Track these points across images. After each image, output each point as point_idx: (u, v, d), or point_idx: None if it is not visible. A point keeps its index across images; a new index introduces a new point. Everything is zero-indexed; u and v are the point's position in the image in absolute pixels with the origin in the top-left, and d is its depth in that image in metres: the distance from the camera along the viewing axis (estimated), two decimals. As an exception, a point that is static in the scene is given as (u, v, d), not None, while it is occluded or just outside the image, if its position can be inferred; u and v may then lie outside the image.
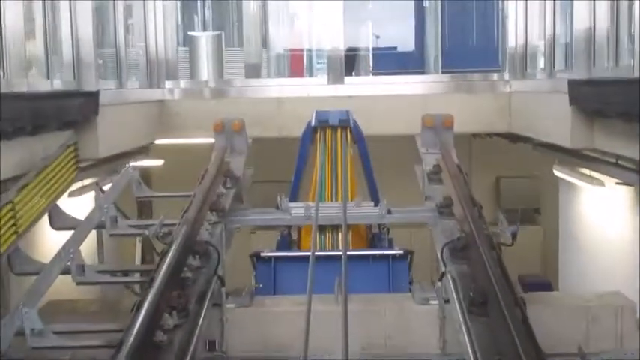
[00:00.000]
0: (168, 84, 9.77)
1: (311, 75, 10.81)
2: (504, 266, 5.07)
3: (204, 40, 11.22)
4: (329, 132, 7.54)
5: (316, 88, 9.64)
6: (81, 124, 6.65)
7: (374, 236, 7.54)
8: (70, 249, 5.41)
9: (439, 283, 5.66)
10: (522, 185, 15.94)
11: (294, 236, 7.52)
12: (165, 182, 14.15)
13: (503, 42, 10.04)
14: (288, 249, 7.51)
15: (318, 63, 20.60)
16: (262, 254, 6.69)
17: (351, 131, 7.62)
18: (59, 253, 5.37)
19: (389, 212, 6.59)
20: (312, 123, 7.60)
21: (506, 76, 9.66)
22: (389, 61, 12.67)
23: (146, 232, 5.49)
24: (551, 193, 14.79)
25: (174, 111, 9.59)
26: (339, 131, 7.53)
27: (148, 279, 4.98)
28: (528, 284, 12.79)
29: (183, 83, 9.96)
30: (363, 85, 9.66)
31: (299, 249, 7.34)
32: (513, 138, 9.99)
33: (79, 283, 5.39)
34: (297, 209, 6.64)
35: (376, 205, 6.95)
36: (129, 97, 8.48)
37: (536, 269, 16.31)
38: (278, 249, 7.67)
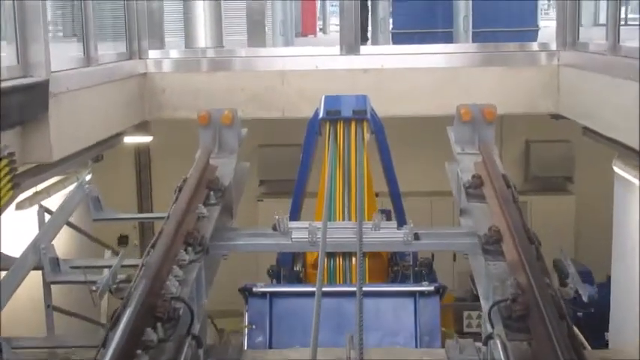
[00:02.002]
0: (152, 54, 8.27)
1: (325, 33, 9.26)
2: (580, 347, 3.68)
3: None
4: (340, 126, 6.05)
5: (326, 60, 8.12)
6: (24, 125, 5.22)
7: (395, 255, 6.13)
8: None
9: (483, 347, 4.30)
10: (554, 150, 14.56)
11: (297, 267, 6.12)
12: (166, 161, 12.87)
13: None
14: (290, 269, 6.15)
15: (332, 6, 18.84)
16: (255, 289, 5.32)
17: (368, 123, 6.14)
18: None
19: (416, 237, 5.15)
20: (320, 114, 6.09)
21: (553, 45, 8.09)
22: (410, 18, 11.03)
23: (93, 287, 4.07)
24: (585, 160, 13.44)
25: (160, 87, 8.11)
26: (353, 125, 6.03)
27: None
28: (564, 273, 11.37)
29: (170, 53, 8.45)
30: (381, 57, 8.12)
31: (303, 277, 5.97)
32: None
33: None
34: (299, 231, 5.21)
35: (400, 224, 5.55)
36: (98, 76, 6.97)
37: (569, 244, 15.04)
38: (279, 264, 6.29)
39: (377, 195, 6.34)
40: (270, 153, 14.87)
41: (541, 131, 12.94)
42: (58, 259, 4.32)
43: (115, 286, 4.13)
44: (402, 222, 6.68)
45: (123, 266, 4.48)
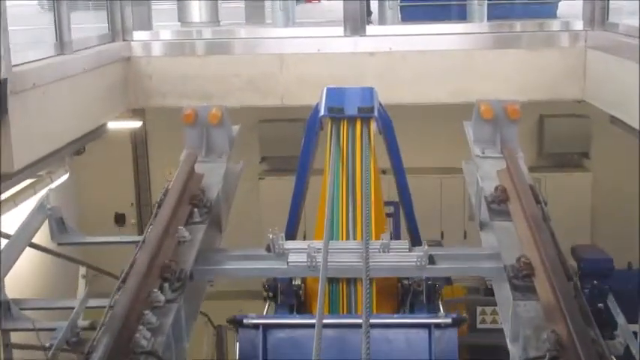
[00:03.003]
0: (138, 35, 7.51)
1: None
2: None
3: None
4: (344, 125, 5.30)
5: (329, 42, 7.35)
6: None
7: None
8: None
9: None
10: (569, 125, 13.86)
11: (296, 280, 5.42)
12: (164, 149, 12.16)
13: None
14: (289, 284, 5.46)
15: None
16: (246, 321, 4.64)
17: (375, 122, 5.38)
18: None
19: (431, 260, 4.46)
20: (321, 110, 5.34)
21: (579, 24, 7.30)
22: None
23: (47, 344, 3.38)
24: (602, 135, 12.71)
25: (146, 73, 7.37)
26: (358, 124, 5.29)
27: None
28: (585, 262, 10.71)
29: (158, 34, 7.68)
30: (388, 39, 7.34)
31: (302, 295, 5.29)
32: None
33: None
34: (297, 254, 4.52)
35: (413, 240, 4.85)
36: (73, 65, 6.21)
37: (585, 224, 14.38)
38: (276, 278, 5.61)
39: (383, 172, 5.62)
40: (271, 128, 14.17)
41: (556, 105, 12.19)
42: (8, 302, 3.64)
43: (74, 338, 3.44)
44: (415, 237, 6.00)
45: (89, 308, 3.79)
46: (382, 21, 8.77)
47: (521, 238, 4.22)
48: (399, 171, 5.78)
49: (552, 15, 10.22)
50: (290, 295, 5.50)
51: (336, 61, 7.26)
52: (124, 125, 9.11)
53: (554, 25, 7.51)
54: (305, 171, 5.63)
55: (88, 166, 12.91)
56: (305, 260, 4.42)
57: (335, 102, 5.38)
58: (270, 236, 4.57)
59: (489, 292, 7.36)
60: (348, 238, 4.88)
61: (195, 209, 4.66)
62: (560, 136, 14.16)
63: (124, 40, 7.41)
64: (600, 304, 10.18)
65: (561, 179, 14.13)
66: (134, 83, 7.31)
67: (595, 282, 10.56)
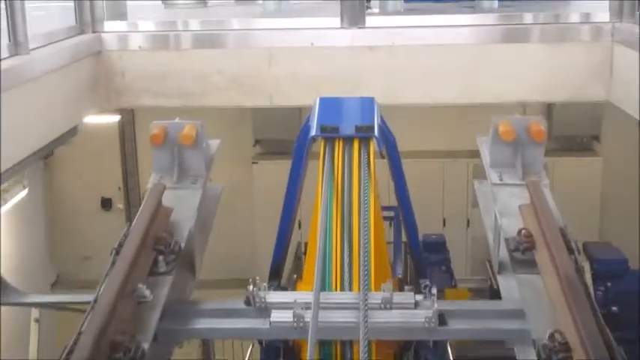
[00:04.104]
0: (109, 25, 6.68)
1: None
2: None
3: None
4: (339, 145, 4.52)
5: (324, 35, 6.53)
6: None
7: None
8: None
9: None
10: (579, 106, 13.20)
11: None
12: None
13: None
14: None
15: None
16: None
17: (375, 142, 4.59)
18: None
19: (442, 320, 3.72)
20: (312, 129, 4.55)
21: (605, 16, 6.47)
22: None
23: None
24: (613, 118, 11.98)
25: (119, 69, 6.55)
26: (356, 144, 4.50)
27: None
28: (599, 263, 10.00)
29: (128, 25, 6.83)
30: (391, 31, 6.53)
31: (290, 351, 4.56)
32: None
33: None
34: (281, 311, 3.78)
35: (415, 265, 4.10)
36: (30, 68, 5.38)
37: (594, 211, 13.71)
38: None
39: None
40: (265, 110, 13.38)
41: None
42: None
43: None
44: (418, 264, 5.26)
45: None
46: (384, 7, 7.94)
47: (552, 303, 3.47)
48: (402, 195, 5.01)
49: (569, -1, 9.44)
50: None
51: (332, 56, 6.45)
52: (101, 120, 8.33)
53: (576, 16, 6.68)
54: (293, 199, 4.85)
55: (73, 149, 12.20)
56: (290, 320, 3.70)
57: (329, 118, 4.60)
58: (250, 287, 3.85)
59: (495, 293, 6.79)
60: (342, 286, 4.12)
61: (161, 257, 3.90)
62: (569, 118, 13.47)
63: (93, 31, 6.58)
64: (614, 307, 9.58)
65: (570, 163, 13.49)
66: (105, 81, 6.51)
67: (609, 284, 9.94)
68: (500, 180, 4.48)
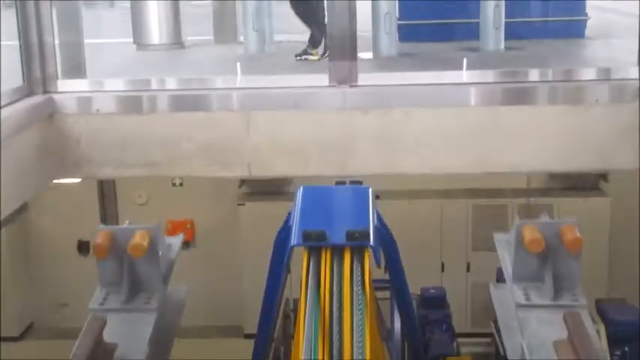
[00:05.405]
0: (63, 85, 5.80)
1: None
2: None
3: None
4: (326, 254, 3.64)
5: (310, 95, 5.66)
6: None
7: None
8: None
9: None
10: (584, 142, 12.27)
11: None
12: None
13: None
14: None
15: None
16: None
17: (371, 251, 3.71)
18: None
19: None
20: (293, 236, 3.67)
21: (635, 71, 5.62)
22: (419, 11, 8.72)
23: None
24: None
25: (74, 136, 5.66)
26: (347, 255, 3.63)
27: None
28: (615, 325, 9.13)
29: (83, 84, 5.95)
30: (386, 90, 5.67)
31: None
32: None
33: None
34: None
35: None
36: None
37: (602, 256, 12.88)
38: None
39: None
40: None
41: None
42: None
43: None
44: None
45: None
46: (377, 50, 7.07)
47: None
48: (402, 302, 4.14)
49: (580, 34, 8.77)
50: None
51: (320, 121, 5.57)
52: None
53: (605, 72, 5.83)
54: (271, 310, 3.98)
55: (49, 190, 11.39)
56: None
57: (314, 220, 3.72)
58: None
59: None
60: None
61: None
62: (574, 155, 12.64)
63: (44, 92, 5.70)
64: (633, 376, 8.76)
65: (576, 204, 12.65)
66: (58, 150, 5.62)
67: (626, 349, 9.11)
68: (527, 300, 3.60)
